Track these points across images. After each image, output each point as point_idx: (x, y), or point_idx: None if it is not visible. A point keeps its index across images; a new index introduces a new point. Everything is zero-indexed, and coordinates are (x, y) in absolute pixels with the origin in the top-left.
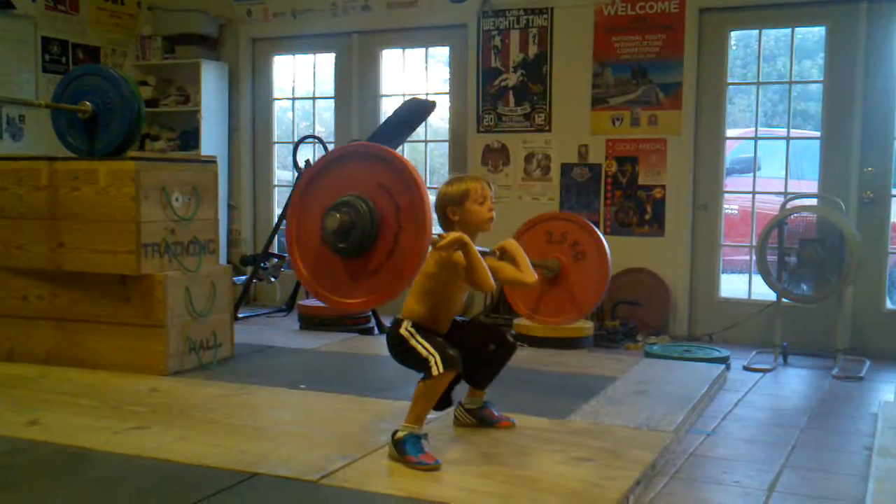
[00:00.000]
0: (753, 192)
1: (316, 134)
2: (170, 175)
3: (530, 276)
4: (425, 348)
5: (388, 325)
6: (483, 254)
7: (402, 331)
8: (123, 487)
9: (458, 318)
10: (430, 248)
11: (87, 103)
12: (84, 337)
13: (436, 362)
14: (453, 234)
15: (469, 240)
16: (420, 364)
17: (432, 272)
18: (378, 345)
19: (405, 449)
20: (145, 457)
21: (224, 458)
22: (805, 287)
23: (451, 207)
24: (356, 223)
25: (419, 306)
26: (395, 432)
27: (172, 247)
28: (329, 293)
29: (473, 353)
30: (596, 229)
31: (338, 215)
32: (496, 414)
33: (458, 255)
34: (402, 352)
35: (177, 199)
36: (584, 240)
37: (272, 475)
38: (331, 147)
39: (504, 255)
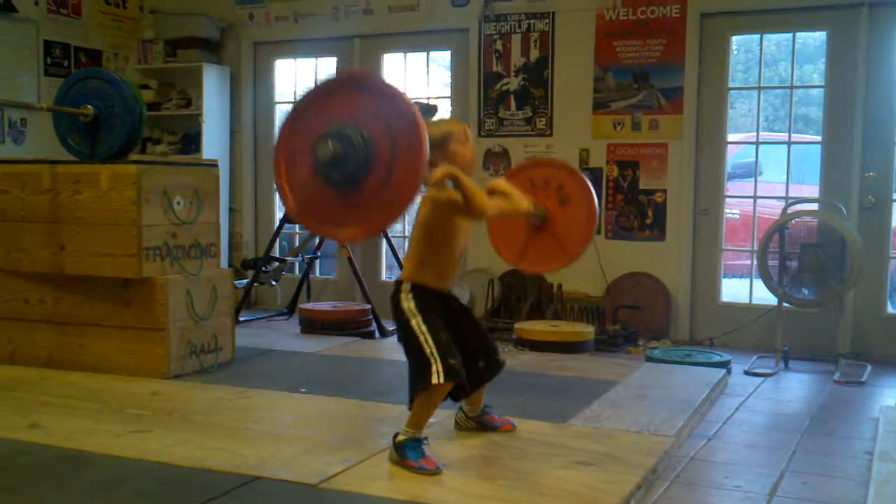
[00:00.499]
0: (755, 197)
1: None
2: (171, 178)
3: (524, 203)
4: (429, 347)
5: (392, 288)
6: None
7: (404, 303)
8: (124, 490)
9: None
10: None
11: (89, 107)
12: (85, 340)
13: (437, 369)
14: (442, 168)
15: (459, 170)
16: (421, 362)
17: (427, 218)
18: (379, 348)
19: (406, 454)
20: (146, 460)
21: (225, 462)
22: (806, 291)
23: (434, 151)
24: (349, 153)
25: (419, 262)
26: (395, 435)
27: (174, 250)
28: (318, 224)
29: (463, 359)
30: (580, 173)
31: (330, 144)
32: (497, 418)
33: (451, 192)
34: (407, 335)
35: (178, 203)
36: (569, 183)
37: (273, 479)
38: None
39: (494, 192)
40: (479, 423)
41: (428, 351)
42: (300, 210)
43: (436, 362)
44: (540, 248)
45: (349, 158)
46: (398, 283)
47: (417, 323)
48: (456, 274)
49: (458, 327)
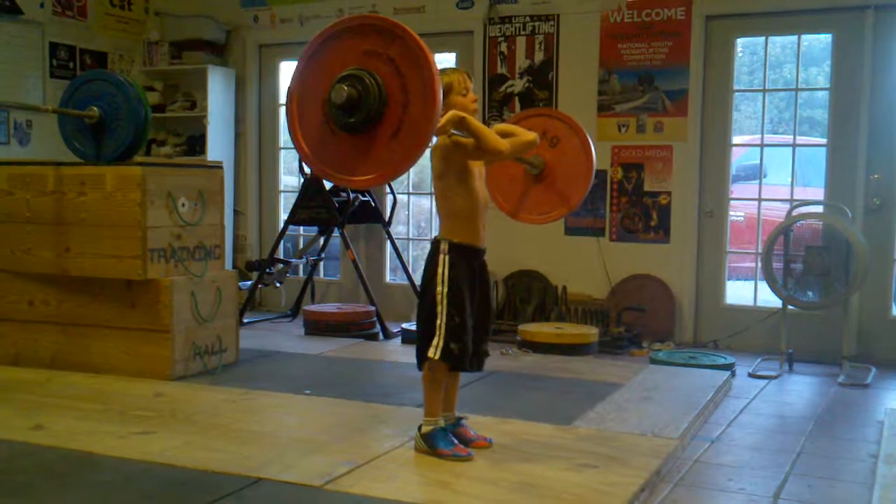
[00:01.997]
0: (759, 199)
1: None
2: (176, 180)
3: (529, 134)
4: (441, 321)
5: (431, 245)
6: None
7: (440, 267)
8: (128, 492)
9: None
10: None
11: (94, 109)
12: (90, 341)
13: (436, 344)
14: (448, 113)
15: (464, 113)
16: (428, 330)
17: (442, 170)
18: (383, 350)
19: (437, 443)
20: (150, 461)
21: (228, 464)
22: (811, 294)
23: None
24: (363, 96)
25: (449, 216)
26: (419, 426)
27: (178, 252)
28: (333, 170)
29: None
30: (577, 121)
31: (345, 88)
32: (472, 433)
33: (459, 138)
34: (428, 297)
35: (183, 205)
36: (566, 133)
37: (276, 480)
38: None
39: (500, 134)
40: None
41: (437, 323)
42: (314, 157)
43: (439, 338)
44: (538, 199)
45: (364, 102)
46: (436, 240)
47: (442, 293)
48: (485, 223)
49: (473, 298)
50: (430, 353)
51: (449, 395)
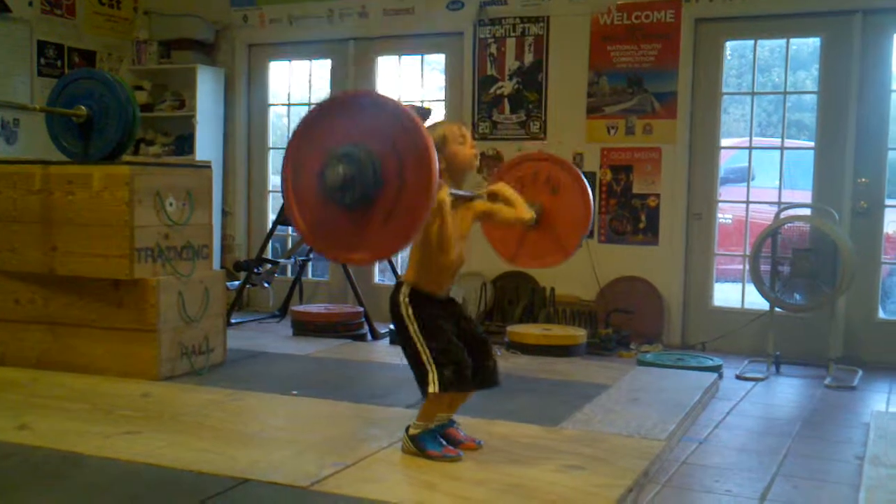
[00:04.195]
0: (747, 202)
1: None
2: (164, 180)
3: (527, 212)
4: (426, 355)
5: (393, 288)
6: (473, 197)
7: (402, 308)
8: (114, 492)
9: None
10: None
11: (82, 107)
12: (76, 341)
13: (433, 379)
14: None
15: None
16: (420, 369)
17: (428, 222)
18: (371, 351)
19: (426, 445)
20: (136, 462)
21: (215, 464)
22: (798, 296)
23: None
24: (358, 175)
25: (417, 265)
26: (407, 428)
27: (166, 251)
28: (330, 247)
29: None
30: (569, 162)
31: (340, 167)
32: (462, 434)
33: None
34: (405, 340)
35: (171, 204)
36: (557, 174)
37: (263, 481)
38: None
39: (496, 197)
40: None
41: (424, 358)
42: (311, 234)
43: (432, 372)
44: (536, 245)
45: (358, 180)
46: (398, 283)
47: (414, 330)
48: (453, 280)
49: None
50: (432, 389)
51: (456, 401)
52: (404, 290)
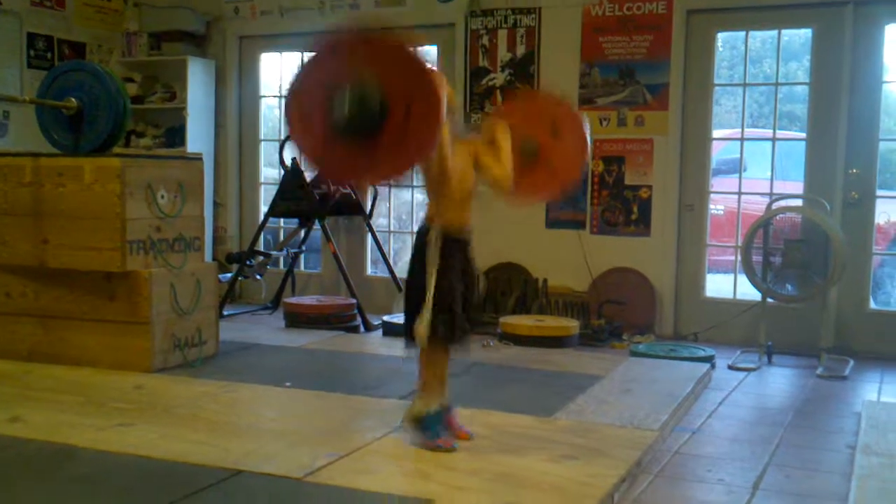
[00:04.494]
0: (739, 193)
1: None
2: (155, 172)
3: (507, 176)
4: (429, 293)
5: (420, 224)
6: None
7: (431, 248)
8: (107, 484)
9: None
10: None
11: (73, 99)
12: (68, 334)
13: (427, 320)
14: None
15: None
16: (417, 307)
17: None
18: (364, 343)
19: (425, 427)
20: (129, 454)
21: (208, 456)
22: (790, 287)
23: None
24: (365, 106)
25: (438, 201)
26: (411, 405)
27: (158, 244)
28: (341, 175)
29: None
30: (572, 107)
31: (346, 99)
32: (456, 422)
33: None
34: (416, 275)
35: (162, 197)
36: (561, 117)
37: (257, 472)
38: None
39: (492, 140)
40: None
41: (427, 296)
42: (321, 164)
43: (426, 311)
44: (531, 179)
45: (366, 109)
46: (426, 226)
47: (430, 273)
48: (471, 210)
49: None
50: (420, 330)
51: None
52: (434, 232)
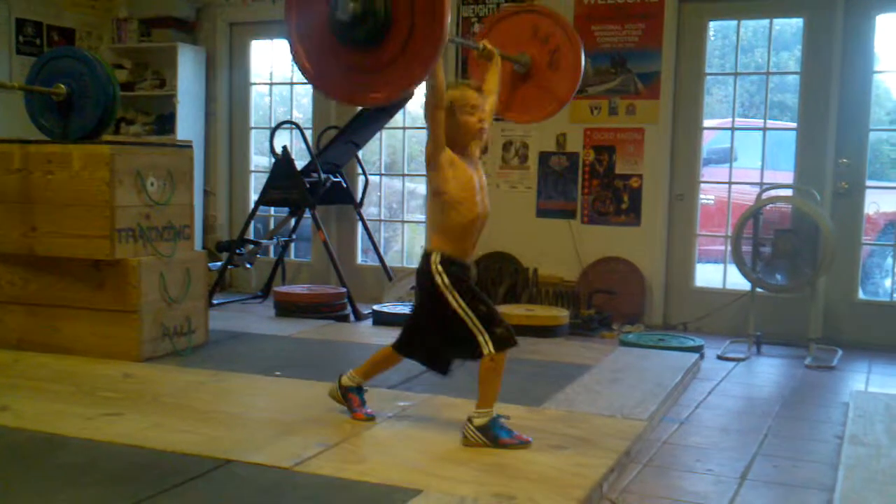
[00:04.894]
0: (730, 183)
1: (293, 120)
2: (145, 159)
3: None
4: (471, 320)
5: (420, 259)
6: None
7: (437, 278)
8: (95, 474)
9: None
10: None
11: (62, 86)
12: (57, 322)
13: (485, 340)
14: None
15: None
16: (467, 336)
17: (435, 184)
18: (354, 332)
19: (496, 434)
20: (118, 443)
21: (198, 445)
22: (779, 277)
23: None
24: (369, 8)
25: (440, 231)
26: (470, 419)
27: (147, 232)
28: (340, 91)
29: None
30: (577, 37)
31: (350, 2)
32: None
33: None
34: (444, 310)
35: (152, 184)
36: (565, 48)
37: (246, 462)
38: (308, 133)
39: (490, 55)
40: (343, 399)
41: (471, 325)
42: (319, 77)
43: (481, 334)
44: (526, 97)
45: (370, 14)
46: (427, 254)
47: (455, 297)
48: (477, 240)
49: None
50: (486, 352)
51: (382, 367)
52: (434, 258)
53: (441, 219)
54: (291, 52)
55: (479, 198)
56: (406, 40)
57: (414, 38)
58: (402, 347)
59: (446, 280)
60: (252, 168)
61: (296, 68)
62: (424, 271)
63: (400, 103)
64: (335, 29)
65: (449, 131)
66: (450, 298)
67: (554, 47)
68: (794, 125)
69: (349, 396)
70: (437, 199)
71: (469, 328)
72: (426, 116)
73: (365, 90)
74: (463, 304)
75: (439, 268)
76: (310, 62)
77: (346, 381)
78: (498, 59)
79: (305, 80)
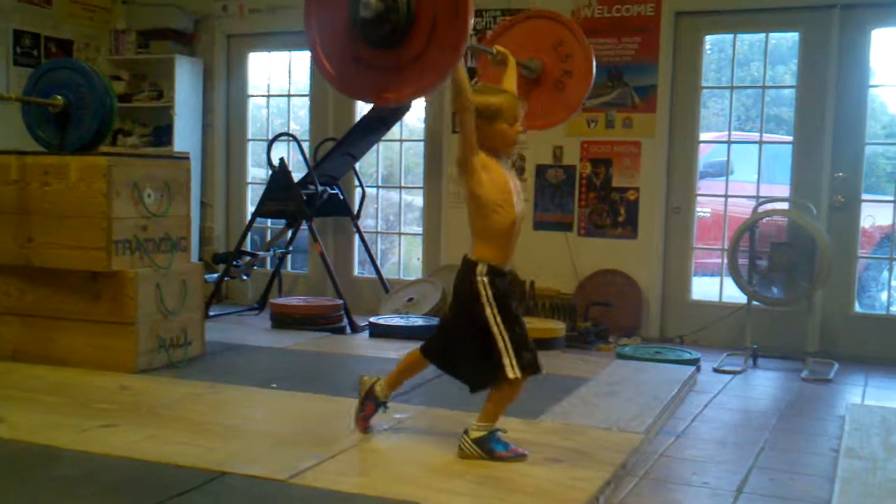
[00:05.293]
0: (726, 196)
1: (290, 132)
2: (142, 171)
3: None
4: (503, 341)
5: (461, 266)
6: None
7: (481, 288)
8: (90, 486)
9: None
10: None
11: (59, 97)
12: (53, 334)
13: (511, 363)
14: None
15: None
16: (494, 354)
17: (471, 189)
18: (350, 344)
19: (492, 447)
20: (113, 455)
21: (193, 457)
22: (775, 290)
23: (477, 121)
24: (392, 7)
25: (481, 238)
26: (467, 431)
27: (144, 244)
28: (360, 90)
29: None
30: (587, 43)
31: (372, 2)
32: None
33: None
34: (478, 323)
35: (149, 196)
36: (577, 55)
37: (241, 474)
38: (305, 145)
39: (504, 60)
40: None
41: (501, 344)
42: (339, 77)
43: (509, 356)
44: (536, 103)
45: (392, 13)
46: (470, 262)
47: (493, 314)
48: (515, 247)
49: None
50: (511, 375)
51: (407, 376)
52: (480, 268)
53: (482, 224)
54: (311, 54)
55: (516, 200)
56: (429, 37)
57: (436, 35)
58: (430, 352)
59: (489, 294)
60: (249, 180)
61: (293, 81)
62: (467, 280)
63: (397, 115)
64: (357, 27)
65: (486, 137)
66: (488, 313)
67: (566, 54)
68: (790, 139)
69: (367, 403)
70: (474, 203)
71: (498, 347)
72: (457, 121)
73: (387, 89)
74: (499, 322)
75: (485, 280)
76: (330, 63)
77: (378, 391)
78: (513, 62)
79: (327, 82)
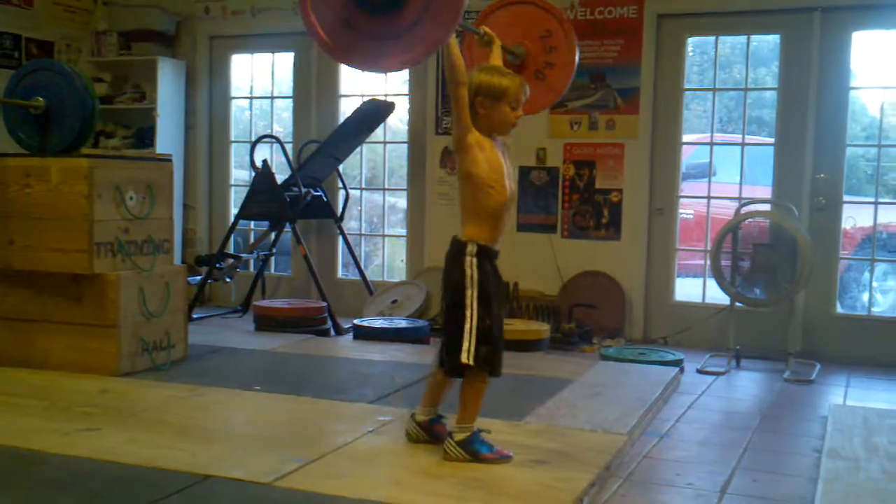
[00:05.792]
0: (709, 197)
1: (274, 134)
2: (124, 173)
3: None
4: (470, 325)
5: (450, 247)
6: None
7: (468, 268)
8: (73, 490)
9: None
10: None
11: (40, 99)
12: (34, 336)
13: (467, 348)
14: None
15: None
16: (457, 335)
17: (463, 166)
18: (334, 346)
19: (478, 449)
20: (96, 459)
21: (176, 461)
22: (758, 291)
23: (481, 99)
24: None
25: (473, 217)
26: (450, 433)
27: (126, 246)
28: (354, 57)
29: None
30: (571, 27)
31: None
32: (448, 429)
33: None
34: (455, 301)
35: (131, 198)
36: (561, 40)
37: (225, 477)
38: (289, 147)
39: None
40: (430, 434)
41: (467, 326)
42: (333, 43)
43: (469, 341)
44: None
45: None
46: (460, 242)
47: (471, 295)
48: (505, 227)
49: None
50: (464, 359)
51: (439, 390)
52: (470, 248)
53: (473, 204)
54: (306, 24)
55: (508, 182)
56: (424, 9)
57: (432, 8)
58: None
59: (475, 276)
60: (232, 182)
61: (276, 82)
62: (456, 260)
63: (381, 117)
64: None
65: (487, 116)
66: (468, 293)
67: (551, 45)
68: (771, 140)
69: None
70: (468, 182)
71: (462, 329)
72: (450, 98)
73: (384, 56)
74: (474, 306)
75: (473, 261)
76: (325, 32)
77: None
78: (499, 44)
79: (323, 51)
